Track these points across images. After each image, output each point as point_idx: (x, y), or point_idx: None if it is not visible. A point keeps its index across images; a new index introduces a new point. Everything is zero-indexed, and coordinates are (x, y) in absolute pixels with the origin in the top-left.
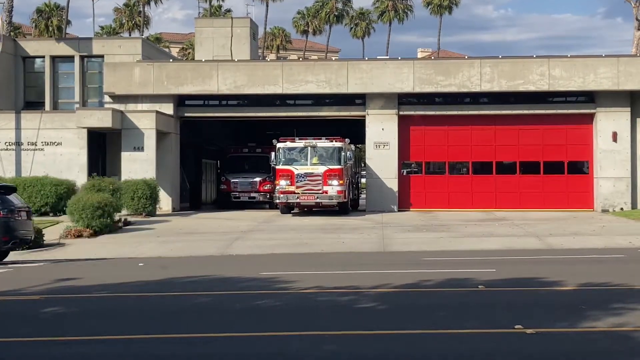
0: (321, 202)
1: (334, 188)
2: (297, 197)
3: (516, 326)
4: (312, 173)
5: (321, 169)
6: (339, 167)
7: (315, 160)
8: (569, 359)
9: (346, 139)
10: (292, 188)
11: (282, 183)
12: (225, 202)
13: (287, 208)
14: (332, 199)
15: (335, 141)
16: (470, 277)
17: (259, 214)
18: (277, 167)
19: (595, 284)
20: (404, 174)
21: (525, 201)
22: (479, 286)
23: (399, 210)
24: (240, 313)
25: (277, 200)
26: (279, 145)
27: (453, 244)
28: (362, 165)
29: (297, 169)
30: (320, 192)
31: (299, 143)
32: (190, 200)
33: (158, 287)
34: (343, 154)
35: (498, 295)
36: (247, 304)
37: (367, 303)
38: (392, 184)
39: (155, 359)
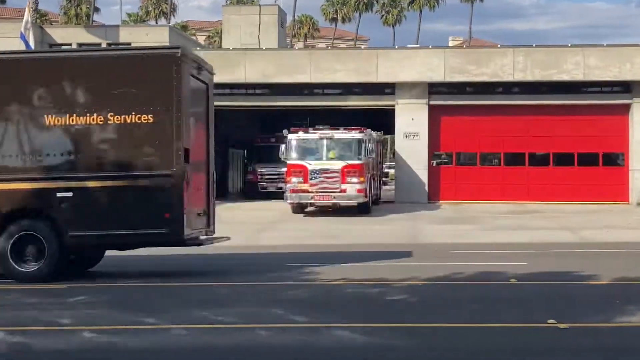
0: (339, 203)
1: (353, 186)
2: (311, 197)
3: (549, 320)
4: (328, 169)
5: (339, 164)
6: (359, 162)
7: (332, 154)
8: (603, 355)
9: (367, 129)
10: (305, 186)
11: (294, 180)
12: (252, 192)
13: (300, 207)
14: (351, 199)
15: (355, 131)
16: (502, 270)
17: (286, 204)
18: (288, 161)
19: (630, 279)
20: (434, 165)
21: (559, 193)
22: (511, 279)
23: (428, 202)
24: (265, 304)
25: (288, 201)
26: (290, 136)
27: (484, 237)
28: (385, 151)
29: (311, 164)
30: (337, 191)
31: (313, 134)
32: (217, 190)
33: (179, 278)
34: (364, 146)
35: (530, 289)
36: (272, 295)
37: (396, 295)
38: (422, 175)
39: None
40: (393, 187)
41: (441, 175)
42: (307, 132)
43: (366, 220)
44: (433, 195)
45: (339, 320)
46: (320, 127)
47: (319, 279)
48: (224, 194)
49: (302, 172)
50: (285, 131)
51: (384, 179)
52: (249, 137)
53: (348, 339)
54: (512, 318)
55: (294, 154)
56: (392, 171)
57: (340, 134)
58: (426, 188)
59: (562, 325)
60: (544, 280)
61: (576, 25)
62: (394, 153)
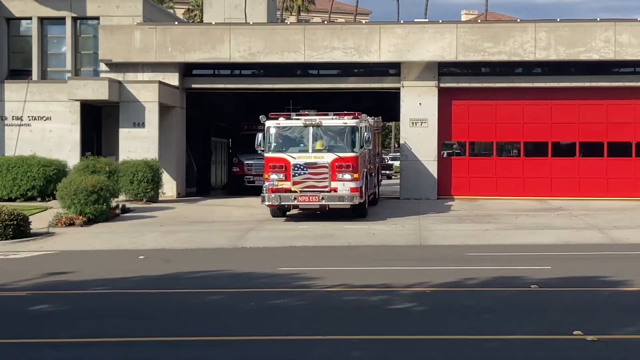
0: (328, 205)
1: (345, 184)
2: (294, 198)
3: (575, 332)
4: (315, 163)
5: (328, 157)
6: (352, 154)
7: (319, 145)
8: None
9: (363, 114)
10: (286, 184)
11: (273, 177)
12: (238, 186)
13: (280, 211)
14: (343, 200)
15: (348, 117)
16: (522, 275)
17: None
18: (265, 154)
19: None
20: (445, 155)
21: (586, 188)
22: (532, 285)
23: (438, 198)
24: (254, 313)
25: (266, 202)
26: (268, 123)
27: (501, 238)
28: (389, 140)
29: (295, 158)
30: (326, 190)
31: (297, 121)
32: (198, 185)
33: (161, 283)
34: (358, 135)
35: (554, 296)
36: (263, 303)
37: (401, 304)
38: (431, 167)
39: None
40: (398, 181)
41: (453, 167)
42: (289, 119)
43: (362, 224)
44: (443, 191)
45: (333, 332)
46: (306, 112)
47: (315, 285)
48: (205, 189)
49: (283, 167)
50: (262, 117)
51: (387, 172)
52: (235, 125)
53: (340, 354)
54: (532, 329)
55: (273, 145)
56: (396, 163)
57: (330, 121)
58: (435, 182)
59: (590, 338)
60: (569, 287)
61: None
62: (398, 142)
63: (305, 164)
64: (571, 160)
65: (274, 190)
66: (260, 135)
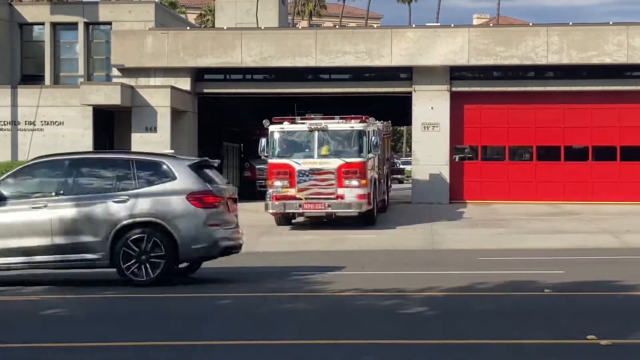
0: (335, 213)
1: (353, 191)
2: (299, 205)
3: (589, 336)
4: (320, 169)
5: (334, 163)
6: (360, 159)
7: (325, 150)
8: None
9: (370, 118)
10: (291, 191)
11: (277, 184)
12: (250, 191)
13: (285, 219)
14: (350, 207)
15: (355, 121)
16: (535, 279)
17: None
18: (269, 160)
19: None
20: (457, 160)
21: (599, 192)
22: (545, 290)
23: (450, 203)
24: (266, 318)
25: (270, 210)
26: (271, 127)
27: (514, 242)
28: (400, 144)
29: (299, 164)
30: (332, 197)
31: (302, 125)
32: None
33: (171, 288)
34: (366, 139)
35: (567, 301)
36: (274, 307)
37: (413, 308)
38: (443, 171)
39: None
40: (409, 185)
41: (465, 172)
42: (294, 123)
43: (371, 233)
44: (456, 195)
45: (344, 336)
46: (311, 116)
47: (327, 289)
48: None
49: (287, 173)
50: (266, 121)
51: (399, 176)
52: (246, 129)
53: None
54: (545, 334)
55: (277, 151)
56: (408, 167)
57: (336, 125)
58: (447, 187)
59: (604, 342)
60: (582, 291)
61: (616, 0)
62: (410, 147)
63: (310, 170)
64: (584, 165)
65: (278, 198)
66: (263, 140)
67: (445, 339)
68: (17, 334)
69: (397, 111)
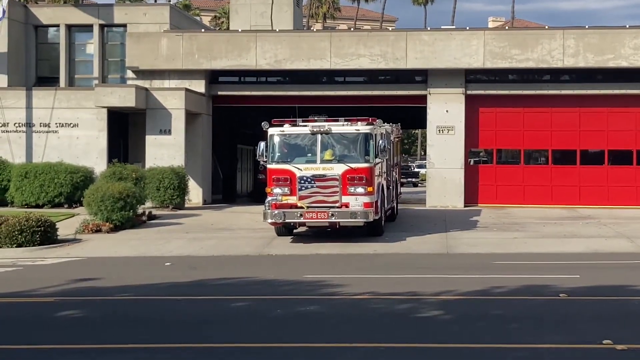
0: (339, 223)
1: (358, 199)
2: (301, 215)
3: (604, 341)
4: (323, 176)
5: (338, 168)
6: (366, 165)
7: (328, 154)
8: None
9: (378, 120)
10: (292, 199)
11: (277, 192)
12: (264, 194)
13: (286, 229)
14: (356, 216)
15: (361, 123)
16: (550, 283)
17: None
18: (268, 165)
19: None
20: (472, 163)
21: (615, 196)
22: (561, 294)
23: (465, 206)
24: (281, 321)
25: (269, 220)
26: (271, 130)
27: (529, 246)
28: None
29: (301, 170)
30: (336, 205)
31: (303, 127)
32: (224, 192)
33: (188, 290)
34: (373, 143)
35: (583, 305)
36: (290, 310)
37: (428, 312)
38: (458, 175)
39: None
40: (424, 188)
41: (480, 175)
42: (295, 125)
43: (378, 244)
44: (470, 198)
45: (359, 340)
46: (314, 118)
47: (341, 292)
48: (231, 196)
49: (287, 180)
50: (264, 124)
51: (414, 179)
52: (260, 131)
53: None
54: (561, 338)
55: (276, 155)
56: (423, 171)
57: (340, 127)
58: (462, 190)
59: (619, 347)
60: (598, 296)
61: (632, 4)
62: (425, 150)
63: (312, 176)
64: (600, 168)
65: (277, 206)
66: (262, 144)
67: (460, 343)
68: (31, 336)
69: (412, 114)
